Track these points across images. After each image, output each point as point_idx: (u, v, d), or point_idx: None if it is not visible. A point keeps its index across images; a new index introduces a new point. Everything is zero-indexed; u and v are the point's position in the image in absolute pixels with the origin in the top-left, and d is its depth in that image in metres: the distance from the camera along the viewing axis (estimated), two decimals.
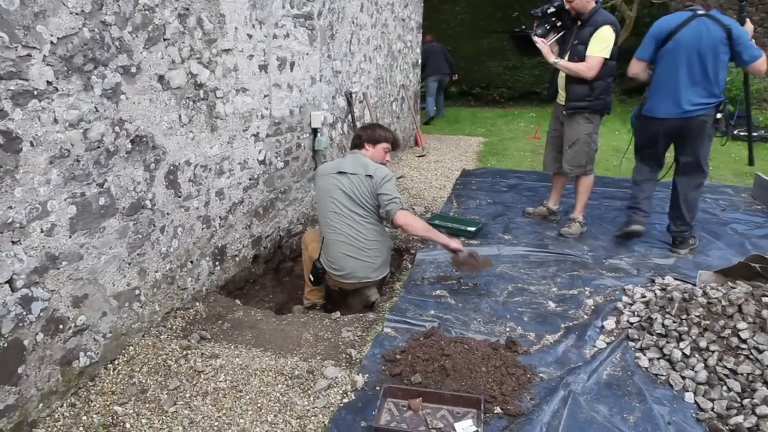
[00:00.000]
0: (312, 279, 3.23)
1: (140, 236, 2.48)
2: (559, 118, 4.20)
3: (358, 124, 5.21)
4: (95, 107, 2.14)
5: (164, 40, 2.48)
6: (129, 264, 2.43)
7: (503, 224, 4.40)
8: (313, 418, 2.06)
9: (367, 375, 2.32)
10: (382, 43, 5.87)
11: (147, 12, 2.35)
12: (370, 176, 3.19)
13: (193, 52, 2.70)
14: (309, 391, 2.20)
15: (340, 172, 3.18)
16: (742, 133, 8.44)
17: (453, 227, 4.14)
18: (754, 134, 8.39)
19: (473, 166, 6.61)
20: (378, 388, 2.21)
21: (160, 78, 2.49)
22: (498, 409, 2.14)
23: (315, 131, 4.15)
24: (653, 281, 3.39)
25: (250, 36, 3.17)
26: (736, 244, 4.11)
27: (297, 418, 2.05)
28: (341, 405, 2.13)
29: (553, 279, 3.41)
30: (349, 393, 2.20)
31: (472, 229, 4.07)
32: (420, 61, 7.64)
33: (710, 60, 3.44)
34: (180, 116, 2.66)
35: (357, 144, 3.32)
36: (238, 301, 3.08)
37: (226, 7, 2.91)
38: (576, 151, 4.05)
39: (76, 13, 2.00)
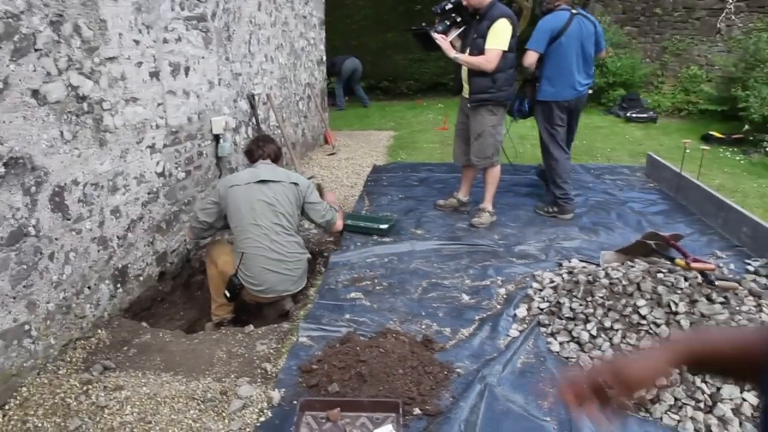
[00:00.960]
0: (228, 295, 3.10)
1: (25, 266, 2.27)
2: (465, 111, 4.29)
3: (263, 127, 5.08)
4: None
5: (35, 50, 2.28)
6: (14, 298, 2.23)
7: (415, 219, 4.45)
8: None
9: (284, 389, 2.27)
10: (284, 42, 5.74)
11: (11, 20, 2.14)
12: (296, 184, 3.18)
13: (72, 62, 2.50)
14: (223, 414, 2.12)
15: (261, 181, 3.09)
16: (634, 115, 9.03)
17: (365, 226, 4.15)
18: (644, 115, 9.01)
19: (384, 161, 6.64)
20: (295, 402, 2.16)
21: (35, 93, 2.28)
22: (417, 410, 2.16)
23: (217, 137, 4.00)
24: (560, 265, 3.55)
25: (137, 42, 2.98)
26: (634, 222, 4.38)
27: None
28: (257, 424, 2.07)
29: (466, 271, 3.49)
30: (265, 411, 2.14)
31: (385, 226, 4.08)
32: (324, 58, 7.56)
33: (588, 49, 4.31)
34: (62, 132, 2.46)
35: (260, 155, 3.28)
36: (144, 324, 2.92)
37: (107, 12, 2.72)
38: (482, 144, 4.16)
39: None
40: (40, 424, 2.05)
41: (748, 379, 0.76)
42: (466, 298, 3.15)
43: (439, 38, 3.94)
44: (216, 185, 3.08)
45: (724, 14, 9.53)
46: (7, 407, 2.14)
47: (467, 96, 4.15)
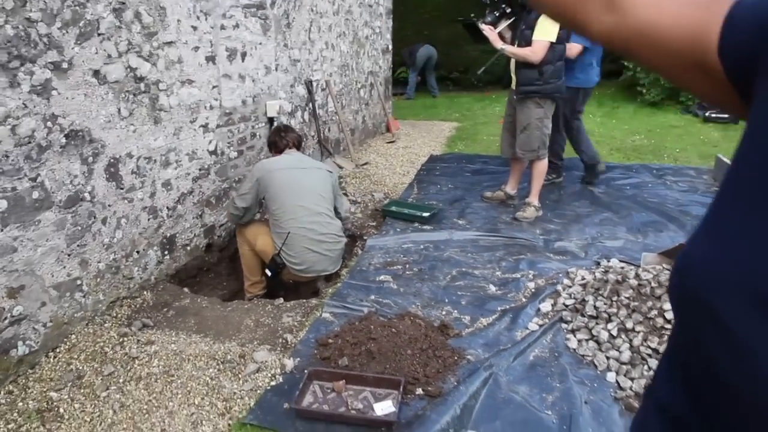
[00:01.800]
0: (269, 274, 3.27)
1: (80, 228, 2.55)
2: (512, 104, 4.28)
3: (321, 112, 5.27)
4: (23, 103, 2.19)
5: (98, 35, 2.53)
6: (69, 255, 2.50)
7: (460, 209, 4.49)
8: (239, 400, 2.15)
9: (299, 359, 2.42)
10: (347, 30, 5.89)
11: (77, 8, 2.39)
12: (330, 172, 3.39)
13: (132, 46, 2.74)
14: (239, 375, 2.30)
15: (300, 168, 3.27)
16: (713, 115, 8.53)
17: (408, 213, 4.23)
18: (724, 115, 8.48)
19: (441, 151, 6.68)
20: (306, 371, 2.30)
21: (96, 73, 2.54)
22: (420, 391, 2.24)
23: (271, 120, 4.20)
24: (598, 264, 3.50)
25: (195, 28, 3.21)
26: (689, 226, 4.21)
27: (223, 400, 2.14)
28: (268, 388, 2.23)
29: (499, 263, 3.51)
30: (277, 376, 2.30)
31: (426, 214, 4.16)
32: (390, 47, 7.66)
33: None
34: (119, 110, 2.71)
35: (286, 144, 3.46)
36: (186, 289, 3.17)
37: (167, 0, 2.95)
38: (528, 136, 4.14)
39: None
40: (80, 367, 2.31)
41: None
42: (493, 289, 3.18)
43: (486, 29, 3.94)
44: (252, 171, 3.24)
45: None
46: (57, 350, 2.42)
47: (514, 88, 4.14)
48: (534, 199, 4.34)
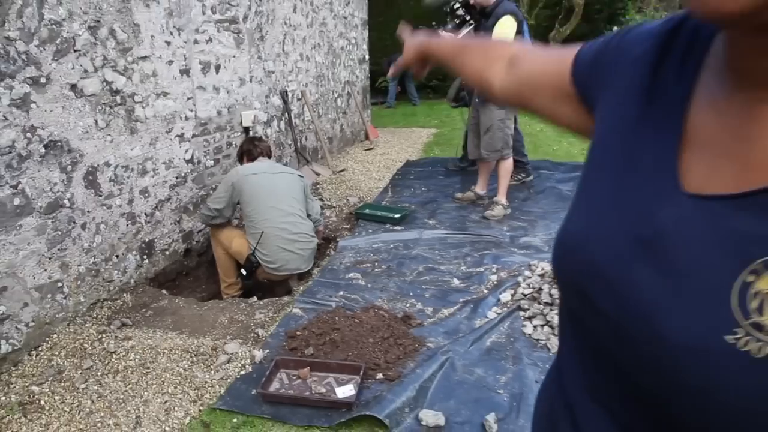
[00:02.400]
0: (244, 273, 3.44)
1: (60, 233, 2.70)
2: (476, 107, 4.49)
3: (297, 121, 5.45)
4: (4, 116, 2.35)
5: (74, 51, 2.69)
6: (49, 259, 2.65)
7: (431, 210, 4.68)
8: (210, 388, 2.31)
9: (268, 350, 2.58)
10: (322, 42, 6.09)
11: (54, 26, 2.56)
12: (301, 176, 3.60)
13: (107, 61, 2.91)
14: (210, 366, 2.45)
15: (272, 173, 3.46)
16: None
17: (380, 215, 4.41)
18: None
19: (418, 156, 6.88)
20: (273, 360, 2.46)
21: (73, 87, 2.70)
22: (380, 375, 2.40)
23: (247, 129, 4.38)
24: None
25: (168, 43, 3.38)
26: None
27: (195, 389, 2.30)
28: (238, 377, 2.39)
29: (464, 258, 3.69)
30: (246, 366, 2.46)
31: (397, 215, 4.34)
32: (367, 57, 7.87)
33: None
34: (96, 121, 2.87)
35: (259, 153, 3.66)
36: (164, 291, 3.32)
37: (140, 17, 3.13)
38: (491, 137, 4.35)
39: None
40: (61, 363, 2.45)
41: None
42: (456, 282, 3.36)
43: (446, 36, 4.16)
44: (227, 177, 3.42)
45: None
46: (39, 348, 2.57)
47: (476, 92, 4.36)
48: (501, 197, 4.54)
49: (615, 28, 10.19)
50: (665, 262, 0.46)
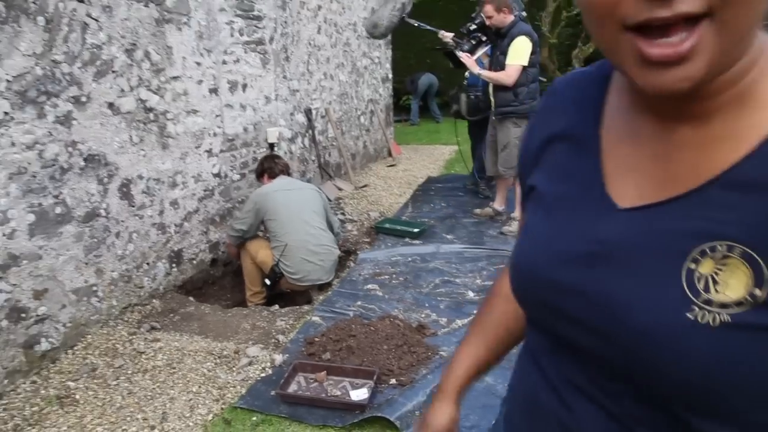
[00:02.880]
0: (268, 283, 3.60)
1: (96, 240, 2.89)
2: (493, 125, 4.61)
3: (321, 138, 5.63)
4: (49, 132, 2.56)
5: (113, 72, 2.90)
6: (86, 264, 2.84)
7: (449, 225, 4.79)
8: (232, 389, 2.45)
9: (287, 355, 2.71)
10: (345, 61, 6.29)
11: (95, 50, 2.78)
12: (319, 191, 3.78)
13: (142, 81, 3.12)
14: (233, 368, 2.59)
15: (293, 189, 3.67)
16: None
17: (399, 229, 4.54)
18: None
19: (439, 173, 7.00)
20: (292, 364, 2.59)
21: (110, 105, 2.91)
22: (393, 381, 2.51)
23: (272, 146, 4.56)
24: None
25: (198, 63, 3.59)
26: None
27: (218, 388, 2.44)
28: (258, 379, 2.52)
29: (480, 272, 3.79)
30: (267, 369, 2.59)
31: (416, 230, 4.46)
32: (390, 75, 8.06)
33: None
34: (131, 137, 3.08)
35: (280, 170, 3.85)
36: (191, 298, 3.48)
37: (173, 40, 3.34)
38: (508, 154, 4.45)
39: (29, 55, 2.42)
40: (95, 361, 2.62)
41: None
42: (471, 294, 3.45)
43: (463, 57, 4.31)
44: (250, 198, 3.62)
45: None
46: (75, 347, 2.74)
47: (494, 109, 4.48)
48: (519, 213, 4.62)
49: None
50: (619, 267, 0.55)
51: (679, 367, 0.49)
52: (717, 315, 0.47)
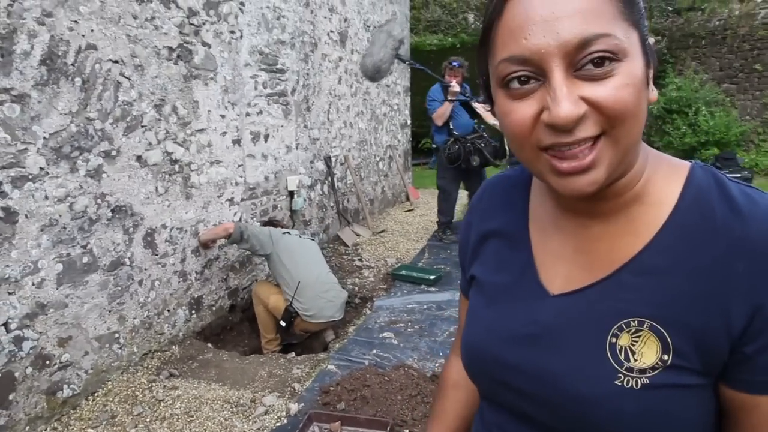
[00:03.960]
0: (284, 324, 3.66)
1: (120, 288, 2.98)
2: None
3: (340, 185, 5.75)
4: (80, 185, 2.69)
5: (141, 126, 3.05)
6: (109, 311, 2.92)
7: None
8: None
9: (303, 404, 2.73)
10: (365, 109, 6.47)
11: (126, 107, 2.93)
12: (313, 239, 3.92)
13: (169, 134, 3.26)
14: (249, 417, 2.62)
15: (298, 235, 3.84)
16: (727, 175, 8.77)
17: (416, 276, 4.57)
18: (737, 175, 8.73)
19: (456, 218, 7.04)
20: (307, 413, 2.61)
21: (138, 158, 3.05)
22: (406, 431, 2.52)
23: (291, 193, 4.68)
24: None
25: (223, 116, 3.75)
26: None
27: None
28: (274, 428, 2.55)
29: None
30: (282, 418, 2.62)
31: (432, 277, 4.49)
32: (409, 122, 8.23)
33: None
34: (156, 188, 3.20)
35: (281, 226, 4.05)
36: (210, 345, 3.54)
37: (199, 95, 3.50)
38: None
39: (65, 114, 2.58)
40: (114, 408, 2.67)
41: None
42: None
43: (479, 107, 4.43)
44: (267, 230, 3.73)
45: None
46: (95, 394, 2.80)
47: (508, 158, 4.57)
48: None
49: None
50: (554, 345, 0.65)
51: (612, 424, 0.58)
52: (638, 379, 0.57)
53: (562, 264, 0.68)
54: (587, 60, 0.53)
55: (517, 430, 0.71)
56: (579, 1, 0.54)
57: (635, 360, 0.58)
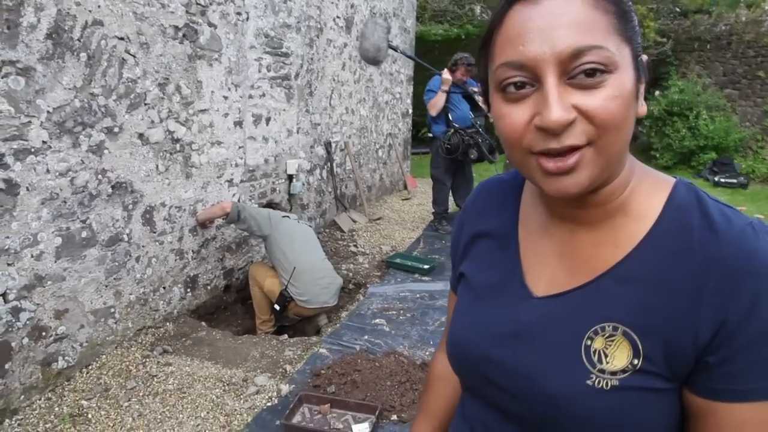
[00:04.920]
0: (278, 308, 3.70)
1: (117, 264, 3.01)
2: (507, 167, 4.72)
3: (339, 170, 5.77)
4: (81, 160, 2.70)
5: (145, 104, 3.07)
6: (106, 286, 2.96)
7: None
8: (238, 416, 2.52)
9: (294, 386, 2.78)
10: (367, 96, 6.47)
11: (130, 84, 2.94)
12: (310, 224, 4.01)
13: (171, 113, 3.28)
14: (240, 396, 2.67)
15: (296, 220, 3.84)
16: (723, 180, 8.86)
17: (410, 265, 4.62)
18: (733, 180, 8.82)
19: (452, 208, 7.07)
20: (298, 395, 2.66)
21: (140, 135, 3.06)
22: (394, 417, 2.57)
23: (291, 177, 4.70)
24: None
25: (225, 97, 3.76)
26: None
27: (225, 415, 2.52)
28: (264, 408, 2.59)
29: None
30: (273, 398, 2.67)
31: (426, 266, 4.54)
32: (410, 111, 8.24)
33: None
34: (157, 166, 3.22)
35: (275, 208, 4.05)
36: (203, 323, 3.58)
37: (203, 75, 3.51)
38: None
39: (69, 88, 2.59)
40: (108, 381, 2.72)
41: None
42: None
43: (482, 101, 4.44)
44: (267, 212, 3.75)
45: None
46: (89, 367, 2.84)
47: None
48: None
49: (657, 93, 10.32)
50: (533, 344, 0.69)
51: (582, 422, 0.62)
52: (609, 380, 0.62)
53: (547, 267, 0.72)
54: (580, 70, 0.57)
55: (496, 423, 0.75)
56: (575, 14, 0.57)
57: (607, 363, 0.62)
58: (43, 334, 2.61)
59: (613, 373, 0.62)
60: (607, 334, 0.63)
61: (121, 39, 2.86)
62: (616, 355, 0.62)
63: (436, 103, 5.38)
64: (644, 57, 0.64)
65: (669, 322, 0.60)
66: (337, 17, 5.51)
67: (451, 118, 5.39)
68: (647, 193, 0.67)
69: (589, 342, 0.64)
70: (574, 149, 0.59)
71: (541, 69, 0.58)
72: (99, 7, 2.71)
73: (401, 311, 3.79)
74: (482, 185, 0.89)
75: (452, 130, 5.35)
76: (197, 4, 3.39)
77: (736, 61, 10.26)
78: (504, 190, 0.84)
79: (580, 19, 0.57)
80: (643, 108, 0.63)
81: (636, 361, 0.61)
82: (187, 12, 3.31)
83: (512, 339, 0.71)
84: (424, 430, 0.98)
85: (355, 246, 5.20)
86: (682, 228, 0.63)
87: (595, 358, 0.63)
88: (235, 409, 2.57)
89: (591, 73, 0.57)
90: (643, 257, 0.64)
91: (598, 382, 0.62)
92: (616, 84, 0.58)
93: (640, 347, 0.61)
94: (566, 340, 0.66)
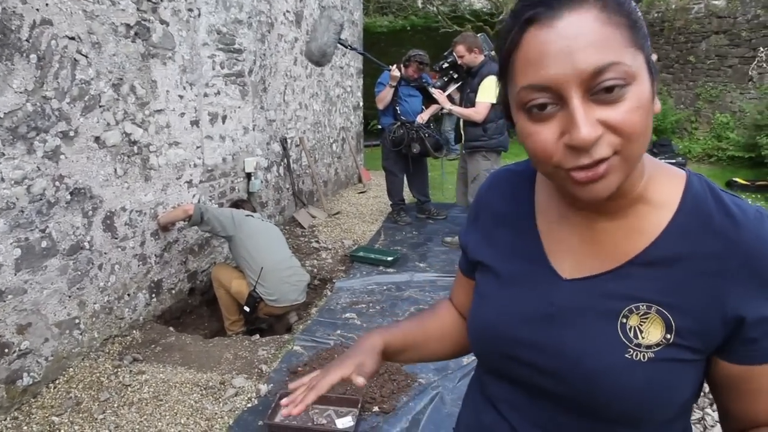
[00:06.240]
0: (248, 310, 3.64)
1: (79, 273, 2.90)
2: (464, 157, 4.81)
3: (295, 166, 5.72)
4: (37, 167, 2.59)
5: (99, 106, 2.96)
6: (69, 297, 2.85)
7: (421, 253, 4.92)
8: (219, 419, 2.49)
9: (272, 385, 2.77)
10: (319, 91, 6.44)
11: (83, 85, 2.83)
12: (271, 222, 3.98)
13: (127, 115, 3.17)
14: (219, 399, 2.64)
15: (260, 219, 3.80)
16: (663, 160, 9.29)
17: (374, 258, 4.65)
18: (672, 161, 9.26)
19: (409, 201, 7.14)
20: (278, 394, 2.65)
21: (97, 139, 2.95)
22: (376, 408, 2.61)
23: (249, 175, 4.64)
24: None
25: (181, 96, 3.66)
26: None
27: (206, 420, 2.48)
28: (245, 409, 2.58)
29: None
30: (253, 399, 2.65)
31: (390, 258, 4.58)
32: (361, 104, 8.25)
33: None
34: (116, 169, 3.12)
35: (240, 207, 4.02)
36: (171, 328, 3.50)
37: (158, 74, 3.41)
38: (477, 186, 4.64)
39: (20, 92, 2.47)
40: (79, 395, 2.63)
41: None
42: None
43: (435, 93, 4.53)
44: (230, 212, 3.69)
45: (755, 62, 9.69)
46: (57, 381, 2.74)
47: (464, 143, 4.69)
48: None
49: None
50: (570, 324, 0.74)
51: (620, 393, 0.68)
52: (645, 353, 0.68)
53: (570, 253, 0.77)
54: (600, 87, 0.60)
55: (527, 403, 0.79)
56: (590, 33, 0.61)
57: (642, 338, 0.68)
58: (6, 350, 2.49)
59: (648, 347, 0.68)
60: (641, 313, 0.69)
61: (72, 39, 2.75)
62: (651, 331, 0.68)
63: (384, 98, 5.44)
64: (654, 56, 0.69)
65: (698, 300, 0.67)
66: (287, 11, 5.45)
67: (399, 111, 5.44)
68: (665, 184, 0.73)
69: (624, 320, 0.70)
70: (602, 162, 0.62)
71: (565, 90, 0.61)
72: (47, 5, 2.59)
73: (370, 304, 3.82)
74: (494, 175, 0.94)
75: (398, 123, 5.41)
76: (148, 0, 3.29)
77: (669, 46, 10.75)
78: (517, 180, 0.88)
79: (596, 38, 0.60)
80: (657, 105, 0.67)
81: (669, 336, 0.68)
82: (138, 9, 3.20)
83: (547, 320, 0.75)
84: (409, 324, 1.03)
85: (317, 242, 5.18)
86: (702, 215, 0.69)
87: (631, 334, 0.69)
88: (216, 413, 2.54)
89: (610, 89, 0.60)
90: (669, 242, 0.70)
91: (636, 356, 0.68)
92: (636, 95, 0.62)
93: (673, 323, 0.68)
94: (603, 318, 0.71)
